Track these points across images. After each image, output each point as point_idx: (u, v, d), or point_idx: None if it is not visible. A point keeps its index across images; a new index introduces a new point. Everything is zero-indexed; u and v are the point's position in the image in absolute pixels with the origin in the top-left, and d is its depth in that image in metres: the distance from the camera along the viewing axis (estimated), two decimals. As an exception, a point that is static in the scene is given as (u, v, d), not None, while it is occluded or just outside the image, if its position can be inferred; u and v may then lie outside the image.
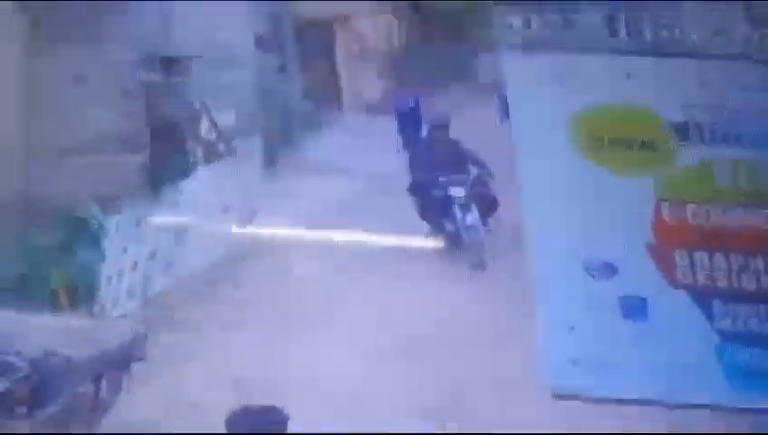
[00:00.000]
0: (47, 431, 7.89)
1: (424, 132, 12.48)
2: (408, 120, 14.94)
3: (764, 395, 5.27)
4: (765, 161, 5.22)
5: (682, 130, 5.43)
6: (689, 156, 5.47)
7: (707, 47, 5.16)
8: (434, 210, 11.26)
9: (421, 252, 11.12)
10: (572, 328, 5.51)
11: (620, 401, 5.60)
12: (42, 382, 8.06)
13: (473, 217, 11.19)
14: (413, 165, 11.78)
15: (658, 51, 5.35)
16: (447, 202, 11.30)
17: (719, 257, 5.27)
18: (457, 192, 11.29)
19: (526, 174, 5.84)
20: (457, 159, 11.42)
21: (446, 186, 11.29)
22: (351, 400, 8.33)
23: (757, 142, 5.26)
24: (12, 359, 8.10)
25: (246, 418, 4.98)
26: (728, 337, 5.26)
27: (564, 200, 5.65)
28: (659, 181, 5.45)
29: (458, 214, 11.19)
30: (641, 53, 5.36)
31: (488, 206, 10.99)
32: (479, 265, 10.65)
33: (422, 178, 11.35)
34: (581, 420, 6.58)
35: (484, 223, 10.90)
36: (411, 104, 15.14)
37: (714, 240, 5.28)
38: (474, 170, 11.54)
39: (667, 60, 5.32)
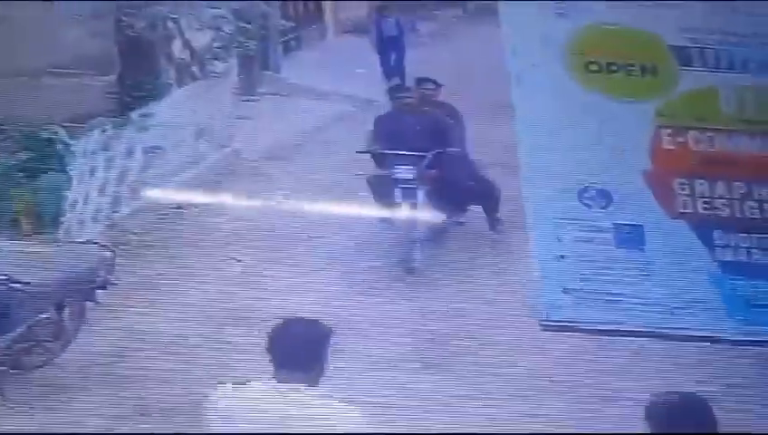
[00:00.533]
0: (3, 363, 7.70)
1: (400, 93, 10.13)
2: (390, 49, 14.60)
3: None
4: None
5: (684, 55, 5.29)
6: (692, 81, 5.34)
7: (712, -31, 4.97)
8: (379, 192, 9.35)
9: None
10: (564, 257, 5.38)
11: (614, 333, 5.49)
12: (0, 310, 7.91)
13: (412, 206, 9.06)
14: (376, 131, 9.67)
15: (660, -29, 5.15)
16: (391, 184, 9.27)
17: (721, 186, 5.13)
18: (403, 174, 9.11)
19: (519, 98, 5.71)
20: (427, 136, 9.23)
21: (391, 164, 9.21)
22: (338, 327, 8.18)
23: (765, 69, 5.09)
24: None
25: (290, 330, 4.84)
26: (729, 268, 5.14)
27: (558, 125, 5.58)
28: (659, 107, 5.34)
29: (398, 199, 9.11)
30: (642, -27, 5.16)
31: (466, 195, 9.27)
32: (407, 270, 8.63)
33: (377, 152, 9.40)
34: (575, 353, 6.53)
35: (453, 214, 9.08)
36: (394, 32, 14.77)
37: (715, 168, 5.12)
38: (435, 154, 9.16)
39: (669, -20, 5.13)
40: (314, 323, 4.52)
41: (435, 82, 9.64)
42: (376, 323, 8.25)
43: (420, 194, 8.94)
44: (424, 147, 9.00)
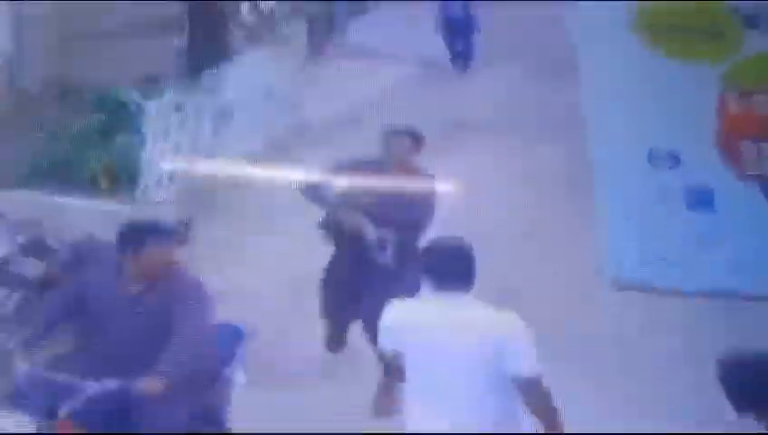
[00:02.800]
0: None
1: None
2: (456, 32, 14.17)
3: None
4: None
5: (752, 20, 5.26)
6: (759, 45, 5.32)
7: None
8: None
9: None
10: (632, 218, 5.49)
11: (682, 293, 5.58)
12: (81, 266, 8.10)
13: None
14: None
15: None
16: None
17: None
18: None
19: (585, 62, 5.72)
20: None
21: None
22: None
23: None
24: (52, 242, 8.18)
25: (443, 246, 5.02)
26: None
27: (625, 88, 5.61)
28: (726, 71, 5.40)
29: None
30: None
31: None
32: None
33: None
34: (643, 312, 6.51)
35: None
36: (460, 14, 14.29)
37: None
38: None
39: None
40: (461, 239, 4.67)
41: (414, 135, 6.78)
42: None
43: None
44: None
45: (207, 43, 11.64)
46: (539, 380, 4.40)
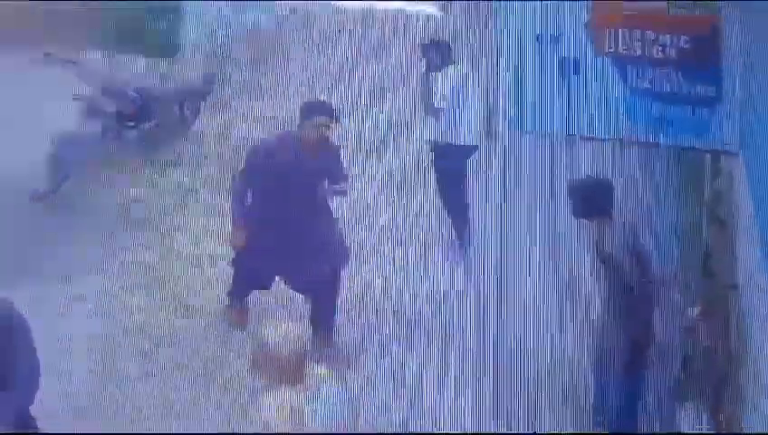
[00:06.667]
0: (150, 137, 10.47)
1: None
2: None
3: (657, 135, 6.50)
4: None
5: None
6: None
7: None
8: None
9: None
10: (523, 80, 6.53)
11: (561, 134, 6.90)
12: (145, 105, 10.57)
13: None
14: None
15: None
16: None
17: (636, 33, 6.38)
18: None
19: None
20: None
21: None
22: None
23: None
24: (125, 89, 10.58)
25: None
26: (636, 91, 6.39)
27: None
28: None
29: None
30: None
31: None
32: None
33: None
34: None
35: None
36: None
37: (635, 22, 6.34)
38: None
39: None
40: None
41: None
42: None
43: None
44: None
45: None
46: None
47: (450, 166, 9.08)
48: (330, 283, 7.62)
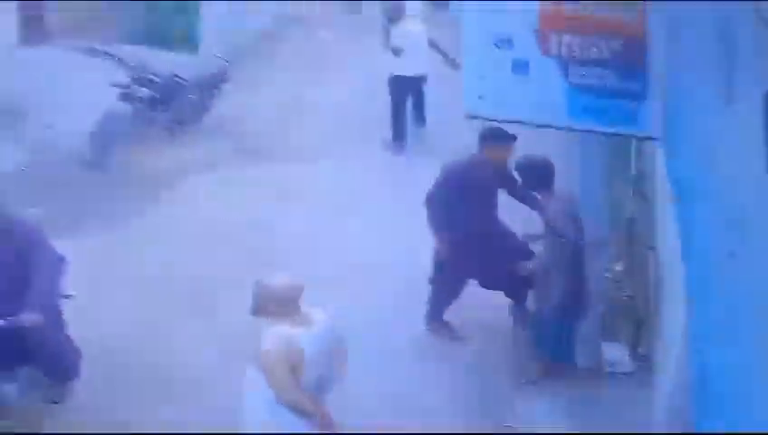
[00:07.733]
0: (174, 118, 11.74)
1: None
2: None
3: (592, 123, 6.97)
4: None
5: None
6: None
7: None
8: None
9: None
10: (483, 77, 7.00)
11: (512, 122, 7.42)
12: (170, 90, 11.92)
13: None
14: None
15: None
16: None
17: (577, 38, 6.76)
18: None
19: None
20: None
21: None
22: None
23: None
24: (152, 77, 11.91)
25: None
26: (575, 87, 6.85)
27: None
28: None
29: None
30: None
31: None
32: None
33: None
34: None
35: None
36: None
37: (576, 27, 6.69)
38: None
39: None
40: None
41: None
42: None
43: None
44: None
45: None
46: None
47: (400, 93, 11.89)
48: (518, 278, 8.17)
